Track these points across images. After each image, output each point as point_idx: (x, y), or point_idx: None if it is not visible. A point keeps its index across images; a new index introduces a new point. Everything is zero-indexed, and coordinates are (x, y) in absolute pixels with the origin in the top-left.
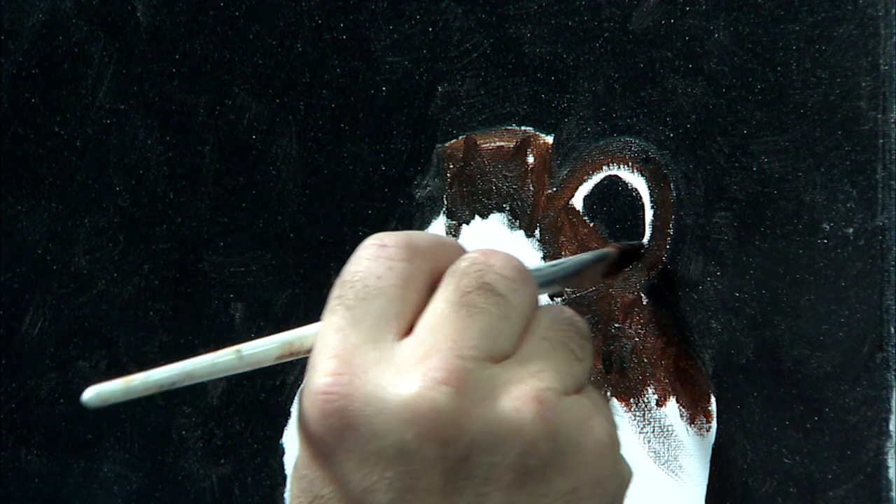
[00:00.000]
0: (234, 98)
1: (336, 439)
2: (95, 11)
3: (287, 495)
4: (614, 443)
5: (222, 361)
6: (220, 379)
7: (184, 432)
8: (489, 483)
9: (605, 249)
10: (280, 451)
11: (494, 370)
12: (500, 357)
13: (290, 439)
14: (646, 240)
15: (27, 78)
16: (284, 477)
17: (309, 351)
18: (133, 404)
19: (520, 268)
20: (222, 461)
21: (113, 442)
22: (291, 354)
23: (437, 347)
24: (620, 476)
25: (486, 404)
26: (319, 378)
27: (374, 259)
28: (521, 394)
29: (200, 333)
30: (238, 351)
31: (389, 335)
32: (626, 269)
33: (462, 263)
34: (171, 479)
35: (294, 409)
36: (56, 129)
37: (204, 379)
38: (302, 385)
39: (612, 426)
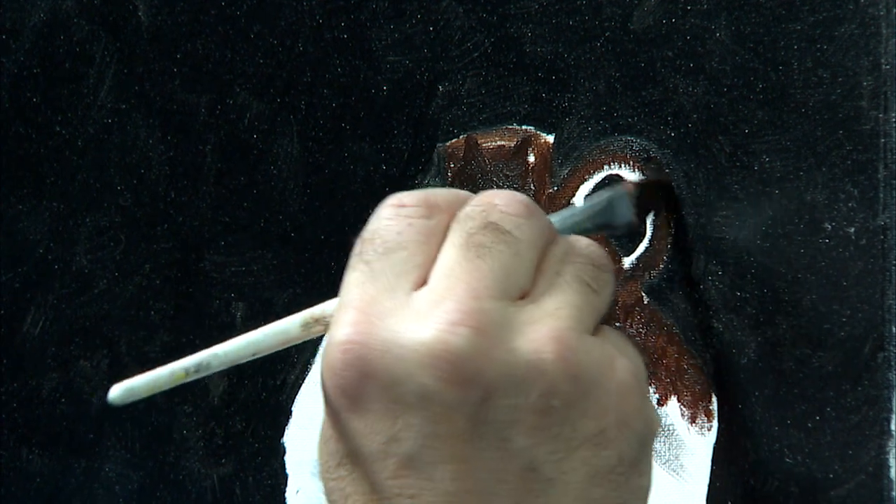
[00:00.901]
0: (236, 97)
1: (357, 390)
2: (97, 11)
3: (317, 463)
4: (639, 383)
5: (254, 339)
6: (221, 378)
7: (185, 432)
8: (512, 426)
9: (619, 188)
10: (281, 451)
11: (510, 310)
12: (517, 294)
13: (292, 438)
14: (647, 240)
15: (28, 77)
16: (286, 476)
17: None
18: (134, 403)
19: (525, 202)
20: (223, 461)
21: (114, 441)
22: (316, 321)
23: (451, 290)
24: (648, 418)
25: (503, 346)
26: (339, 330)
27: (393, 217)
28: (538, 335)
29: (202, 333)
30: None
31: (408, 285)
32: (662, 204)
33: (467, 208)
34: (172, 479)
35: (317, 369)
36: (57, 129)
37: (245, 358)
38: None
39: (637, 367)
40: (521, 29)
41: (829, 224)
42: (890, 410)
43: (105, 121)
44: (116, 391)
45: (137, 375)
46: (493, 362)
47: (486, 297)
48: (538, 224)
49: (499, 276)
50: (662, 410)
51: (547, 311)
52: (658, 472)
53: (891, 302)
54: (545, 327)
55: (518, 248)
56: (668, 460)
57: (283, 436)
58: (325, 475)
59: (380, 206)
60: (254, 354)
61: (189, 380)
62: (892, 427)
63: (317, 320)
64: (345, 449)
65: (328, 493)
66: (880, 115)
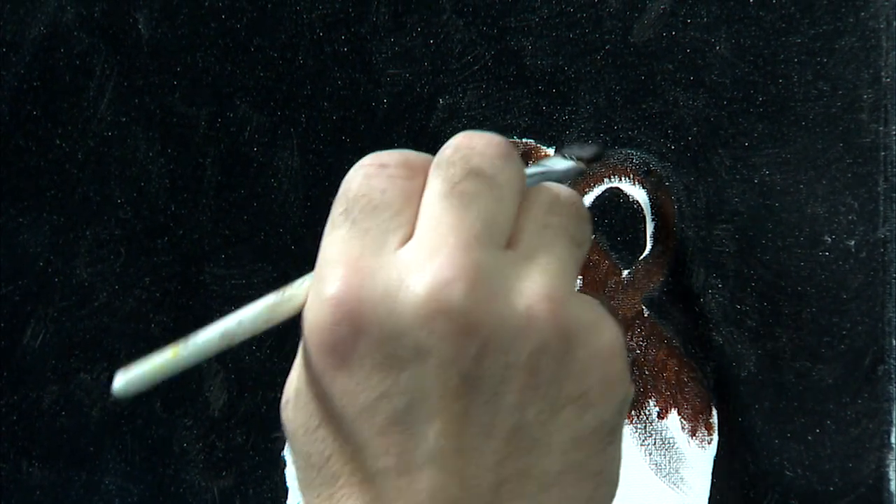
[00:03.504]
0: (236, 110)
1: (348, 346)
2: (97, 24)
3: (287, 430)
4: (622, 348)
5: (229, 328)
6: (222, 390)
7: (185, 444)
8: (503, 383)
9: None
10: (282, 464)
11: (501, 260)
12: (503, 240)
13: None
14: (647, 252)
15: (28, 90)
16: (286, 489)
17: (302, 306)
18: (134, 416)
19: (503, 144)
20: (224, 473)
21: (114, 454)
22: (285, 300)
23: (441, 244)
24: (627, 384)
25: (498, 301)
26: (328, 286)
27: (375, 176)
28: (531, 292)
29: None
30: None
31: (394, 243)
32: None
33: (446, 152)
34: (172, 492)
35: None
36: (57, 142)
37: (226, 344)
38: (306, 301)
39: (619, 332)
40: (522, 42)
41: (829, 237)
42: (890, 423)
43: (105, 133)
44: (120, 382)
45: (132, 366)
46: (488, 315)
47: (477, 247)
48: (516, 167)
49: (486, 223)
50: (663, 423)
51: (539, 265)
52: (658, 486)
53: (891, 315)
54: (537, 284)
55: (501, 194)
56: (668, 473)
57: (283, 449)
58: (302, 438)
59: (357, 165)
60: (229, 345)
61: (180, 363)
62: (893, 440)
63: (285, 298)
64: (326, 409)
65: (305, 456)
66: (880, 128)
